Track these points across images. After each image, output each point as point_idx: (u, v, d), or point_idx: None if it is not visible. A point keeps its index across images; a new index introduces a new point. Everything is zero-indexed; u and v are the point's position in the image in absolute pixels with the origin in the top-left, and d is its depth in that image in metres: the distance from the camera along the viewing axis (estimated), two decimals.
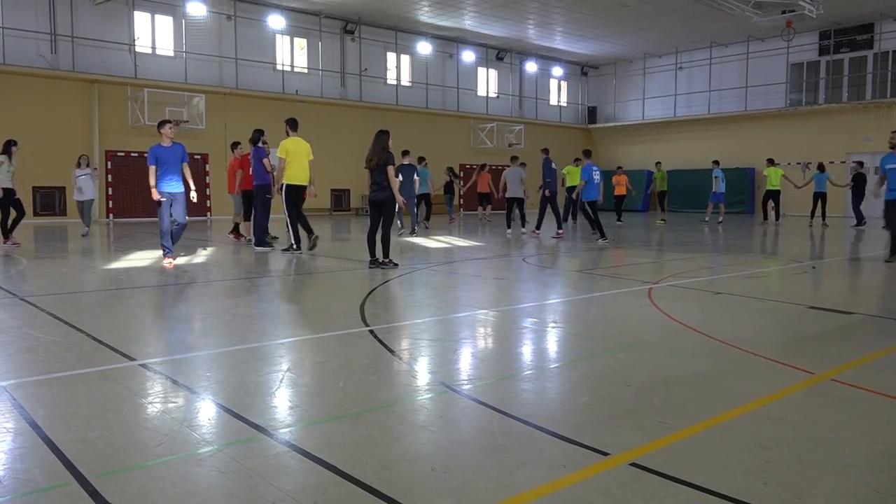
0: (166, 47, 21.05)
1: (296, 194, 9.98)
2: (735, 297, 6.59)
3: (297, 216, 10.09)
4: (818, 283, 8.04)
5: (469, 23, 24.87)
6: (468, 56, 27.79)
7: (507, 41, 27.67)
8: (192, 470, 2.51)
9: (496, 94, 29.59)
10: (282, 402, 3.34)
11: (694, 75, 29.01)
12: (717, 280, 7.95)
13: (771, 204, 19.18)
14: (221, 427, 3.00)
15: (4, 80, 18.08)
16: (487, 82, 29.16)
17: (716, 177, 19.04)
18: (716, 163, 19.50)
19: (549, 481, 2.40)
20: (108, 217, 19.86)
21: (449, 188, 20.56)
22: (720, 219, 19.43)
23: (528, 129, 29.38)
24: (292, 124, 10.11)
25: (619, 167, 21.70)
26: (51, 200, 18.95)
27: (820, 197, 18.50)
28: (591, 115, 33.01)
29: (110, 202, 19.92)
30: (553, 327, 5.23)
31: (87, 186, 13.59)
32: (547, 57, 30.35)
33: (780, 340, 4.83)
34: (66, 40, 19.16)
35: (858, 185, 18.24)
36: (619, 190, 20.19)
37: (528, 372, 3.95)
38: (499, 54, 29.01)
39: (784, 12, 21.17)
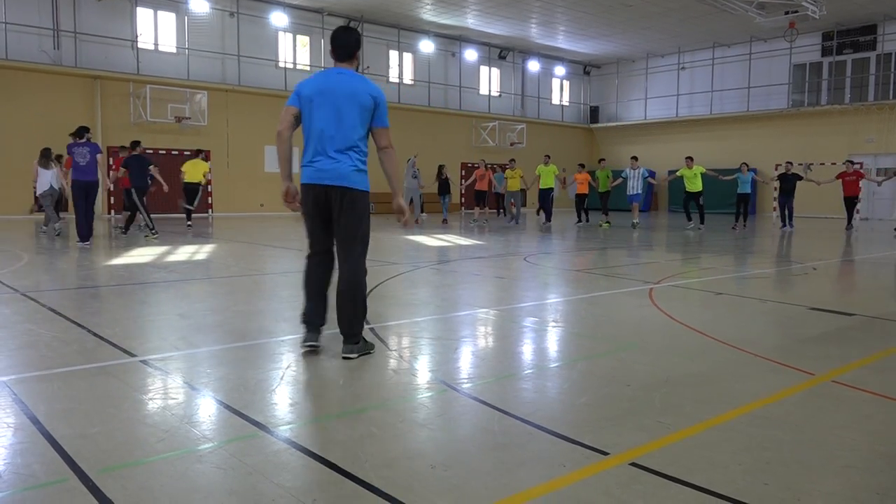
0: (169, 44, 21.05)
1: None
2: (736, 298, 6.59)
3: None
4: (818, 284, 8.03)
5: (472, 21, 24.85)
6: (470, 55, 27.78)
7: (509, 40, 27.65)
8: (192, 466, 2.51)
9: (498, 93, 29.58)
10: (282, 400, 3.34)
11: (696, 75, 28.99)
12: (717, 281, 7.95)
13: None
14: (221, 424, 3.00)
15: (7, 75, 18.09)
16: (490, 81, 29.15)
17: (623, 177, 17.45)
18: (634, 159, 17.71)
19: (549, 480, 2.40)
20: (109, 213, 19.87)
21: (444, 187, 19.39)
22: (634, 219, 17.48)
23: (530, 129, 29.38)
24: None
25: (581, 164, 20.04)
26: None
27: (742, 199, 17.34)
28: (594, 114, 33.00)
29: (111, 198, 19.94)
30: (553, 326, 5.22)
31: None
32: (549, 56, 30.33)
33: (781, 341, 4.83)
34: (68, 36, 19.16)
35: (785, 184, 17.25)
36: (581, 188, 18.64)
37: (529, 371, 3.95)
38: (501, 53, 28.99)
39: (787, 13, 21.15)
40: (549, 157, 18.82)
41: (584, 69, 32.60)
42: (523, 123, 29.33)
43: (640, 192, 17.45)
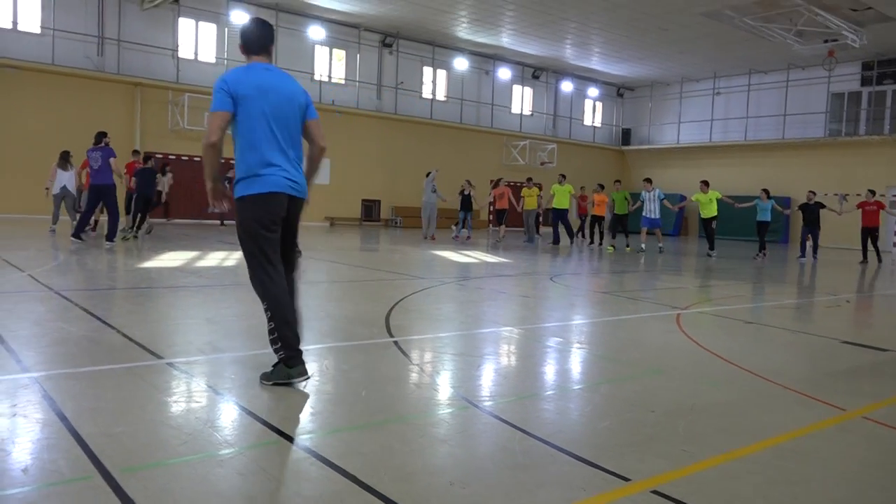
0: (208, 54, 21.51)
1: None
2: (765, 328, 6.47)
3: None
4: (851, 317, 7.85)
5: (506, 40, 24.98)
6: (504, 73, 27.89)
7: (543, 60, 27.72)
8: (213, 470, 2.53)
9: (530, 112, 29.62)
10: (304, 408, 3.35)
11: (731, 101, 28.71)
12: (746, 309, 7.82)
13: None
14: (243, 430, 3.02)
15: (53, 80, 18.64)
16: (522, 100, 29.22)
17: (641, 199, 16.59)
18: (647, 181, 16.89)
19: None
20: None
21: (466, 203, 18.78)
22: (659, 245, 16.67)
23: (561, 149, 29.33)
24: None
25: (600, 185, 18.83)
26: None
27: (762, 227, 16.39)
28: (626, 136, 32.84)
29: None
30: (577, 348, 5.18)
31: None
32: (583, 77, 30.34)
33: (811, 374, 4.73)
34: (112, 43, 19.69)
35: (807, 215, 16.29)
36: (598, 210, 17.90)
37: (551, 392, 3.92)
38: (535, 73, 29.07)
39: (826, 41, 20.88)
40: (564, 176, 18.44)
41: (617, 91, 32.52)
42: (554, 143, 29.30)
43: (657, 216, 16.50)
